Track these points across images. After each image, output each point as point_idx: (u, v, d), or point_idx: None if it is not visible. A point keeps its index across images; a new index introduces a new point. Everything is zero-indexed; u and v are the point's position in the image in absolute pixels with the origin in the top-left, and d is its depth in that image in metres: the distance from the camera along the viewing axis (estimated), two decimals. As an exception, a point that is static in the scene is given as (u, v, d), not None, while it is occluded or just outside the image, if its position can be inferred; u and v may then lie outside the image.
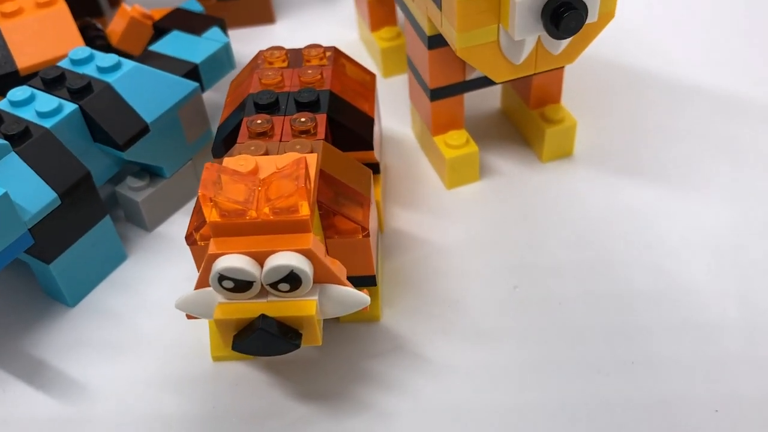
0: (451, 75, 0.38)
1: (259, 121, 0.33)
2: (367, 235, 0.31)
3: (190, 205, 0.41)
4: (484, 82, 0.38)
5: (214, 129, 0.43)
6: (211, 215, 0.27)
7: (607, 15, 0.34)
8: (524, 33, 0.31)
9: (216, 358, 0.34)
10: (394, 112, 0.46)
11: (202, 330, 0.34)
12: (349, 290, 0.29)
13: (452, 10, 0.32)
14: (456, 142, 0.40)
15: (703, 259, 0.36)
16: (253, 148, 0.31)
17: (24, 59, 0.41)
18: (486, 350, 0.33)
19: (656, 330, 0.33)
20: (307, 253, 0.27)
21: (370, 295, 0.34)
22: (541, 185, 0.41)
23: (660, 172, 0.41)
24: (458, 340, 0.34)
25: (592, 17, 0.31)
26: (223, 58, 0.43)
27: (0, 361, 0.34)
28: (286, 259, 0.27)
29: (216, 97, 0.47)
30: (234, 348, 0.28)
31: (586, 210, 0.39)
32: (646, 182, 0.40)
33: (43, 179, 0.33)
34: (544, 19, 0.30)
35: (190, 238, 0.31)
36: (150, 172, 0.39)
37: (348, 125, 0.34)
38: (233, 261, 0.27)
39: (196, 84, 0.39)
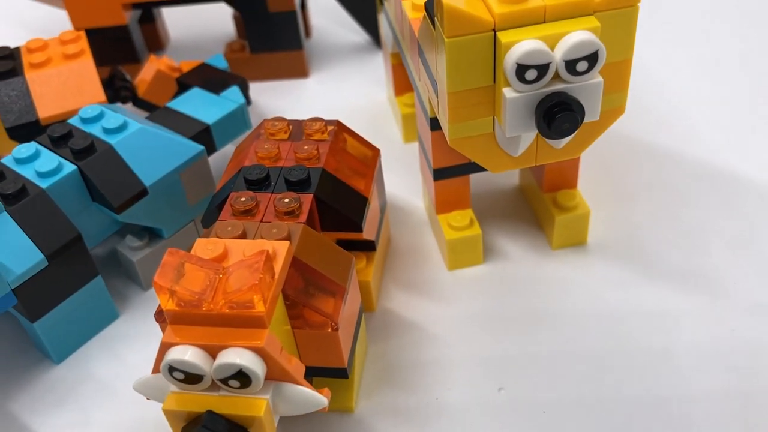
0: (454, 156, 0.36)
1: (243, 199, 0.32)
2: (336, 329, 0.30)
3: (190, 266, 0.41)
4: (490, 165, 0.37)
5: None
6: (168, 303, 0.27)
7: (615, 111, 0.32)
8: (516, 130, 0.29)
9: (182, 436, 0.33)
10: (410, 180, 0.44)
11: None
12: (305, 391, 0.27)
13: (444, 101, 0.30)
14: (459, 224, 0.38)
15: (716, 374, 0.33)
16: (230, 228, 0.31)
17: (45, 110, 0.42)
18: (459, 456, 0.31)
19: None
20: (260, 351, 0.26)
21: (344, 385, 0.33)
22: (546, 275, 0.38)
23: (678, 274, 0.37)
24: (433, 441, 0.32)
25: (591, 117, 0.29)
26: (237, 118, 0.43)
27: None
28: (235, 356, 0.26)
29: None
30: (180, 440, 0.27)
31: (591, 306, 0.37)
32: (662, 283, 0.37)
33: (32, 240, 0.34)
34: (537, 117, 0.29)
35: (159, 317, 0.30)
36: (150, 231, 0.39)
37: (336, 207, 0.33)
38: (183, 354, 0.26)
39: (201, 147, 0.39)
